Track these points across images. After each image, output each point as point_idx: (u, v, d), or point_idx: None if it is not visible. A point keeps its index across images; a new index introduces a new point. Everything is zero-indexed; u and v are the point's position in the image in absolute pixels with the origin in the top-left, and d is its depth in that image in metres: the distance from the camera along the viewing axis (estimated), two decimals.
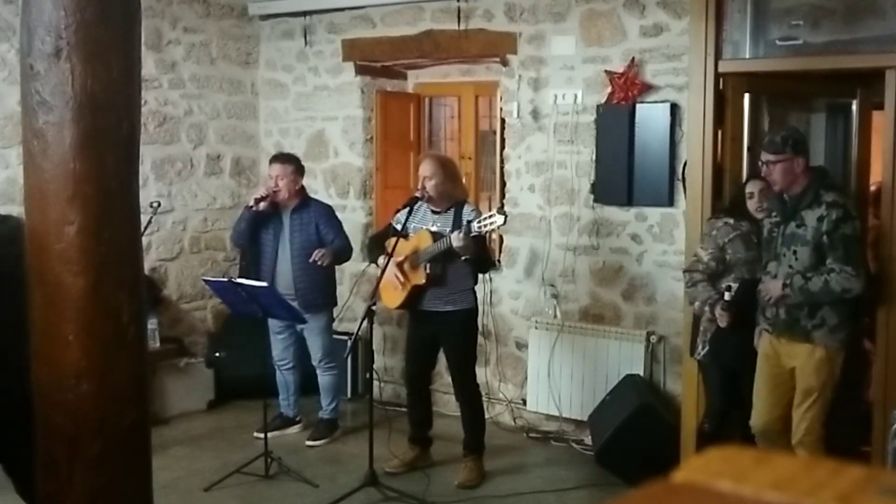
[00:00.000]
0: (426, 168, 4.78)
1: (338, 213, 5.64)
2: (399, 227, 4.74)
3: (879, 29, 4.18)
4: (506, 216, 4.41)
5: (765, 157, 3.87)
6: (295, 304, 5.18)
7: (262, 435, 5.11)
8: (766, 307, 4.00)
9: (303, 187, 5.51)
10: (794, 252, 3.85)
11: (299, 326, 5.44)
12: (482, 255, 4.70)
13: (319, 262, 5.26)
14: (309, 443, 5.47)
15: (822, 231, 3.77)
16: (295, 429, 5.68)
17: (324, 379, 5.59)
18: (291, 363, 5.62)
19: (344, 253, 5.47)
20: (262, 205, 5.32)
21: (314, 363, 5.57)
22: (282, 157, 5.54)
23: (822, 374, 3.90)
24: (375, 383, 5.29)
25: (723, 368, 4.34)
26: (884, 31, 4.17)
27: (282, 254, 5.41)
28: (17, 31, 2.78)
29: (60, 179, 2.42)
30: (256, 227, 5.42)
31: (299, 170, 5.48)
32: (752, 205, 4.26)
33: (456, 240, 4.44)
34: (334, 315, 5.73)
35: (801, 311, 3.88)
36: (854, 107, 5.04)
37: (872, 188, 5.11)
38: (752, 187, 4.29)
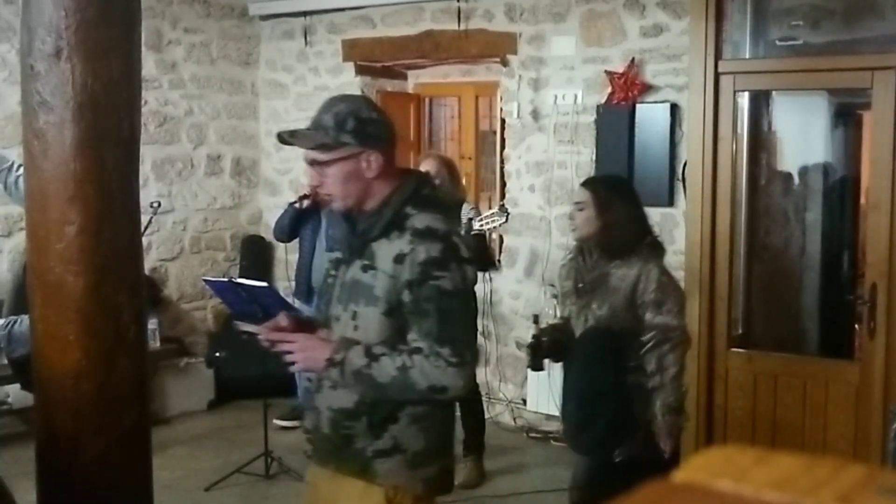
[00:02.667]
0: (428, 167, 4.79)
1: None
2: None
3: (879, 29, 4.19)
4: (507, 214, 4.42)
5: (308, 155, 2.35)
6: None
7: (283, 423, 5.52)
8: (307, 408, 2.51)
9: None
10: (354, 314, 2.25)
11: None
12: (483, 254, 4.71)
13: None
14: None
15: (403, 281, 2.19)
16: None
17: None
18: None
19: None
20: (304, 202, 5.44)
21: None
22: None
23: None
24: None
25: None
26: (884, 31, 4.17)
27: (318, 249, 5.52)
28: (17, 32, 2.78)
29: (61, 179, 2.42)
30: (297, 224, 5.50)
31: None
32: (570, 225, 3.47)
33: None
34: None
35: (357, 420, 2.29)
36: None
37: None
38: (577, 196, 3.33)
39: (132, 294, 2.52)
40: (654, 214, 5.24)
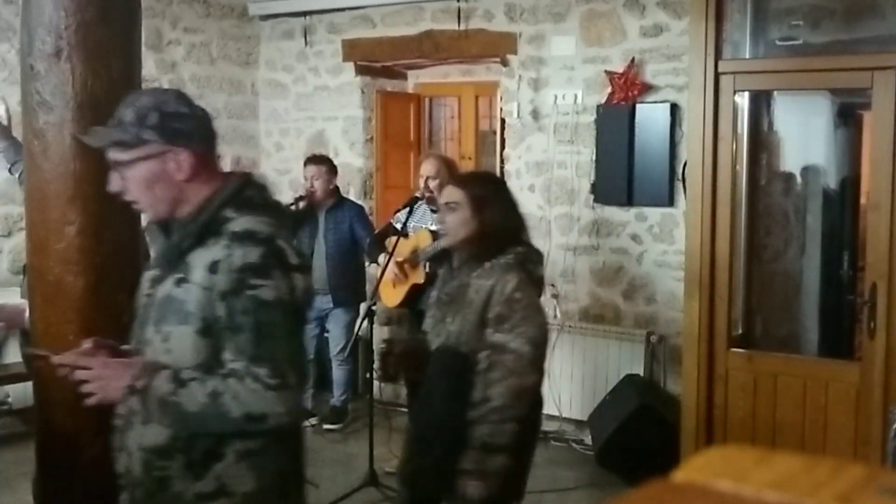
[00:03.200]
0: (428, 168, 4.79)
1: None
2: (399, 226, 4.75)
3: (879, 29, 4.19)
4: None
5: (108, 155, 2.03)
6: (327, 297, 5.51)
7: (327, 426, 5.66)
8: (116, 449, 2.11)
9: (336, 187, 5.71)
10: (167, 335, 1.97)
11: (328, 316, 5.72)
12: None
13: None
14: (327, 426, 5.72)
15: (218, 291, 1.91)
16: (310, 420, 5.76)
17: (338, 372, 5.85)
18: (310, 356, 5.68)
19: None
20: (300, 204, 5.53)
21: (332, 355, 5.82)
22: (316, 159, 5.74)
23: None
24: (375, 383, 5.28)
25: None
26: (884, 31, 4.17)
27: (317, 251, 5.60)
28: (17, 32, 2.78)
29: (61, 179, 2.42)
30: (294, 227, 5.53)
31: (332, 170, 5.68)
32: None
33: None
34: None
35: (172, 459, 1.97)
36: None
37: None
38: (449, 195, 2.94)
39: (132, 294, 2.52)
40: (654, 214, 5.26)
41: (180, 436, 1.94)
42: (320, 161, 5.68)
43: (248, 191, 2.05)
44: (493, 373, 2.64)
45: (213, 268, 1.91)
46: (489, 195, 2.85)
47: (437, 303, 2.91)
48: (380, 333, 6.06)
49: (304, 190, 5.64)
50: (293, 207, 5.47)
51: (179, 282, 1.95)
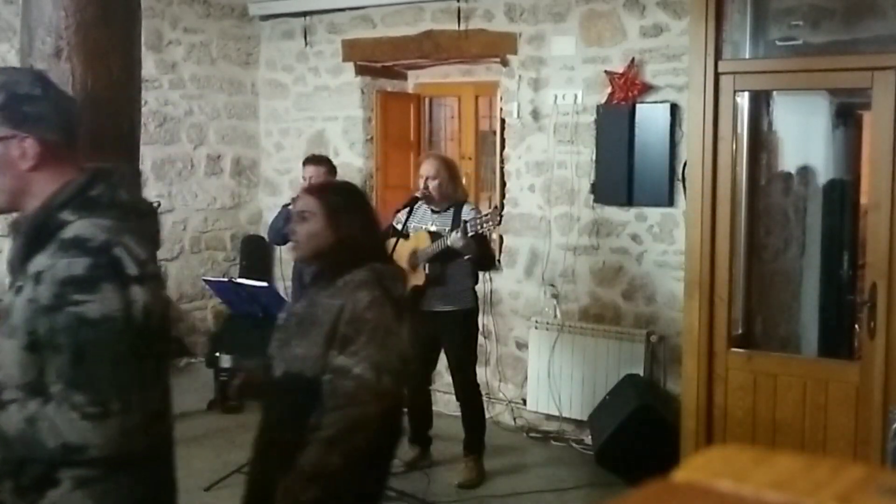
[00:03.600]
0: (428, 168, 4.79)
1: None
2: (399, 226, 4.75)
3: (879, 29, 4.19)
4: (501, 217, 4.45)
5: None
6: None
7: None
8: None
9: None
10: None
11: None
12: (485, 253, 4.71)
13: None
14: None
15: (41, 305, 1.72)
16: None
17: None
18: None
19: None
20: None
21: None
22: (315, 159, 5.65)
23: None
24: None
25: None
26: (884, 31, 4.17)
27: None
28: (17, 32, 2.78)
29: None
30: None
31: (332, 170, 5.59)
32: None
33: (455, 240, 4.46)
34: None
35: (1, 484, 1.82)
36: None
37: None
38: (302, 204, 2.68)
39: None
40: (654, 214, 5.26)
41: (8, 458, 1.76)
42: (319, 161, 5.59)
43: (94, 189, 1.83)
44: (331, 400, 2.36)
45: (38, 278, 1.72)
46: (346, 205, 2.60)
47: (283, 325, 2.62)
48: None
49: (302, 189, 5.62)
50: (290, 207, 5.44)
51: (18, 290, 1.77)
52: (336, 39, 6.48)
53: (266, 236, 6.07)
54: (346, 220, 2.55)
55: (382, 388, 2.39)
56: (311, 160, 5.62)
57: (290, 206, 5.43)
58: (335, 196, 2.63)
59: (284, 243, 5.75)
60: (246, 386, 2.82)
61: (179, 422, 6.32)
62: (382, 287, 2.49)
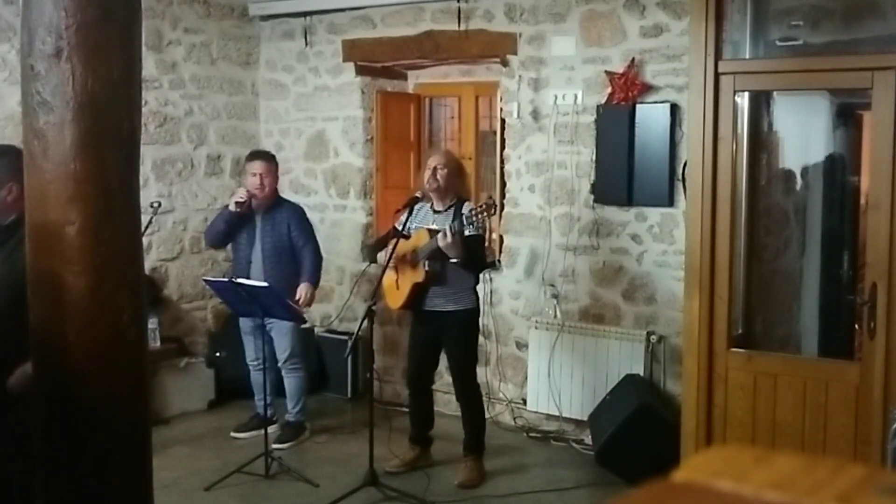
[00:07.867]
0: (437, 158, 4.81)
1: (338, 214, 5.66)
2: (399, 227, 4.75)
3: (879, 29, 4.19)
4: (493, 206, 4.51)
5: None
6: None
7: (240, 435, 5.48)
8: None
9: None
10: None
11: (268, 326, 5.33)
12: (474, 256, 4.67)
13: (305, 304, 5.34)
14: (275, 445, 5.23)
15: None
16: (272, 429, 5.30)
17: (289, 380, 5.51)
18: (263, 363, 5.40)
19: (318, 271, 5.47)
20: (243, 206, 5.26)
21: (279, 364, 5.48)
22: (264, 155, 5.51)
23: None
24: (375, 383, 5.29)
25: None
26: (884, 31, 4.17)
27: (254, 254, 5.37)
28: (17, 32, 2.78)
29: (61, 179, 2.42)
30: (233, 229, 5.38)
31: (277, 167, 5.51)
32: None
33: (441, 241, 4.46)
34: (334, 314, 5.75)
35: None
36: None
37: None
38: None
39: (132, 294, 2.52)
40: (654, 214, 5.26)
41: None
42: (270, 157, 5.43)
43: None
44: None
45: None
46: None
47: None
48: (381, 333, 6.06)
49: (253, 187, 5.30)
50: (234, 210, 5.24)
51: None
52: (336, 40, 6.48)
53: (204, 239, 5.93)
54: None
55: None
56: (261, 156, 5.47)
57: (236, 209, 5.26)
58: None
59: (223, 245, 5.71)
60: None
61: (179, 422, 6.33)
62: None
